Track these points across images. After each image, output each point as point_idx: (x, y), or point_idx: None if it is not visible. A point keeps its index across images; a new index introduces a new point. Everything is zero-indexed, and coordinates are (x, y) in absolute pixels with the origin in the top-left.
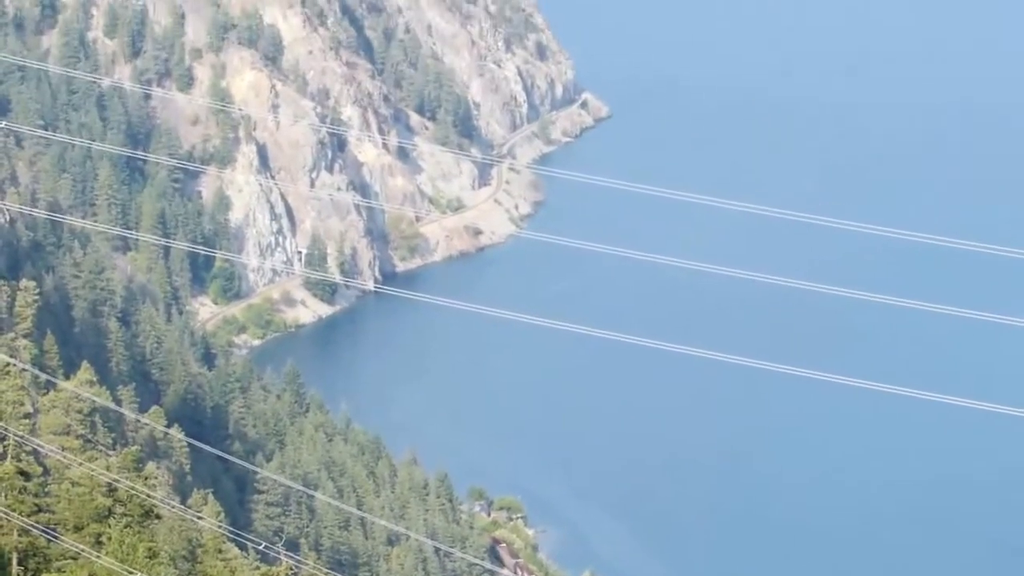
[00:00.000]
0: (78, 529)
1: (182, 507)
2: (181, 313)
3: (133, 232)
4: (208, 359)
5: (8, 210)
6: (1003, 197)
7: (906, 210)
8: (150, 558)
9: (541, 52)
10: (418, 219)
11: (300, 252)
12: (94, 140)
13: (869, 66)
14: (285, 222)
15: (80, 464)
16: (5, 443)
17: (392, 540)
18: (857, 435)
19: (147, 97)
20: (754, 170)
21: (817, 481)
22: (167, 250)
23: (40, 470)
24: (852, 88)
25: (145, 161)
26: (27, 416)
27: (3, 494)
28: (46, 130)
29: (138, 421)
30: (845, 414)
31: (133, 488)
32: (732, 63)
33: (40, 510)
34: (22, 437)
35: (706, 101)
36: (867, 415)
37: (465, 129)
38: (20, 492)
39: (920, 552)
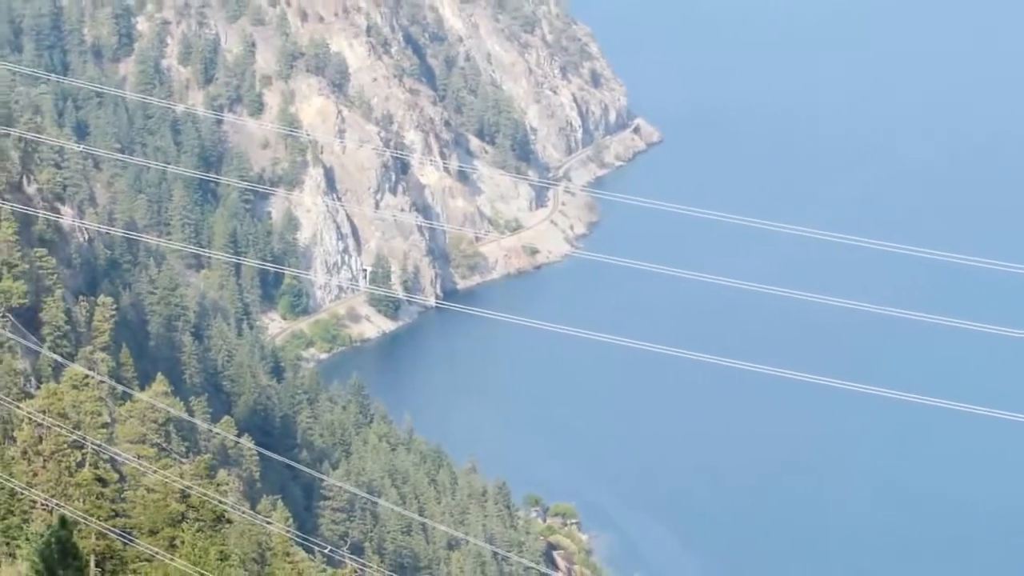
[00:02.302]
0: (153, 533)
1: (252, 512)
2: (251, 328)
3: (206, 251)
4: (277, 372)
5: (87, 229)
6: None
7: (948, 234)
8: (221, 560)
9: (595, 80)
10: (477, 239)
11: (365, 270)
12: (168, 163)
13: (913, 93)
14: (351, 241)
15: (155, 471)
16: (84, 451)
17: (452, 544)
18: (906, 449)
19: (219, 122)
20: (800, 194)
21: (860, 491)
22: (238, 268)
23: (117, 477)
24: (897, 114)
25: (217, 183)
26: (105, 426)
27: (81, 499)
28: (123, 153)
29: (210, 430)
30: (891, 428)
31: (205, 494)
32: (782, 90)
33: (117, 515)
34: (100, 445)
35: (756, 127)
36: (913, 429)
37: (523, 153)
38: (98, 498)
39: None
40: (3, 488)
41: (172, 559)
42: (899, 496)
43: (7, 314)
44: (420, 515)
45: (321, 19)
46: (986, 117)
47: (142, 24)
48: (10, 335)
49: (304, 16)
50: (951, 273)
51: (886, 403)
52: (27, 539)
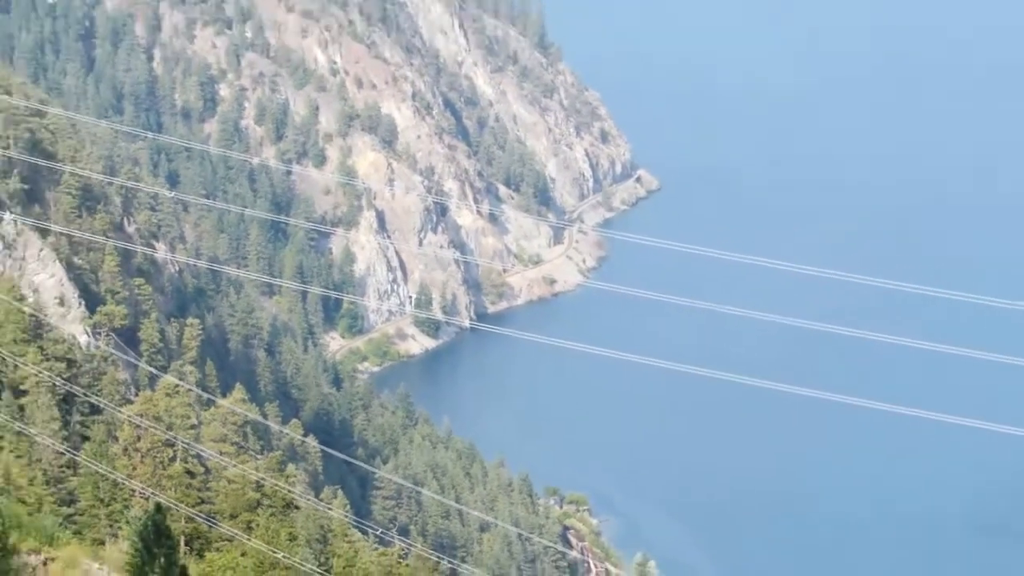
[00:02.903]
0: (233, 517)
1: (316, 500)
2: (315, 345)
3: (277, 280)
4: (336, 382)
5: (177, 262)
6: None
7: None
8: (290, 541)
9: (604, 137)
10: (505, 271)
11: (410, 296)
12: (246, 207)
13: (890, 150)
14: (398, 273)
15: (234, 465)
16: (175, 449)
17: (483, 527)
18: (882, 455)
19: (288, 173)
20: (779, 235)
21: (844, 487)
22: (304, 295)
23: (203, 470)
24: (870, 170)
25: (286, 224)
26: (192, 427)
27: (173, 489)
28: (207, 199)
29: (281, 431)
30: (865, 437)
31: (277, 484)
32: (763, 148)
33: (203, 502)
34: (188, 444)
35: (741, 179)
36: (889, 440)
37: (543, 199)
38: (187, 488)
39: None
40: (107, 479)
41: (249, 539)
42: (881, 495)
43: (111, 333)
44: (457, 502)
45: (374, 86)
46: (968, 172)
47: (223, 90)
48: (113, 351)
49: (360, 84)
50: (916, 300)
51: (861, 415)
52: (127, 523)
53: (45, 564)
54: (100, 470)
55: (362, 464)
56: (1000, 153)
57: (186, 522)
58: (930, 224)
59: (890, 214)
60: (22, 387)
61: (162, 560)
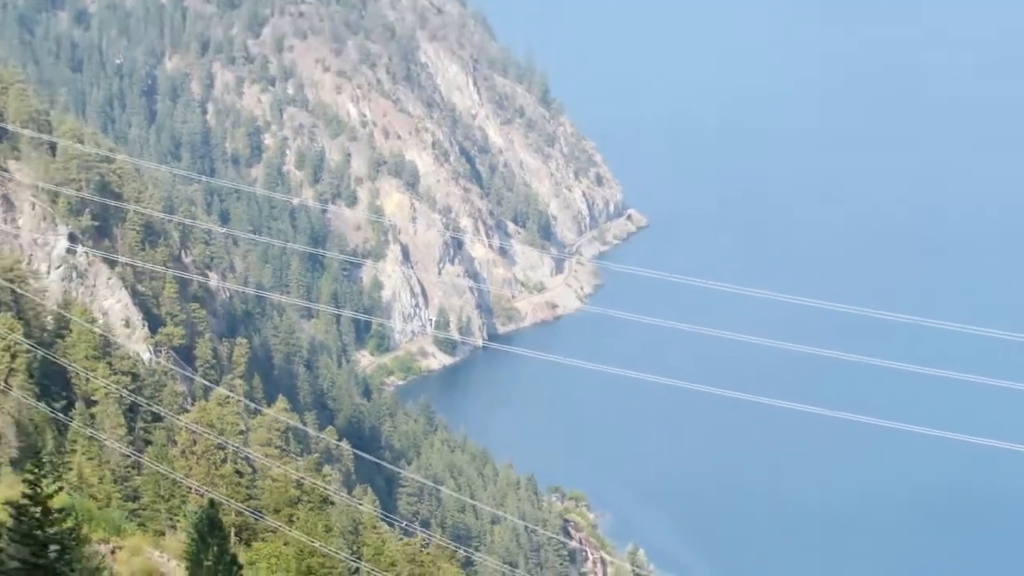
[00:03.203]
0: (276, 511)
1: (348, 496)
2: (347, 361)
3: (314, 304)
4: (366, 393)
5: (228, 289)
6: None
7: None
8: (326, 532)
9: (599, 180)
10: (513, 297)
11: (431, 319)
12: (287, 241)
13: (860, 183)
14: (420, 298)
15: (278, 466)
16: (226, 451)
17: (494, 521)
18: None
19: (324, 211)
20: (755, 267)
21: (830, 492)
22: (338, 318)
23: (250, 470)
24: (859, 203)
25: (322, 256)
26: (241, 432)
27: (224, 487)
28: (254, 234)
29: (318, 437)
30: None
31: (315, 483)
32: (745, 189)
33: (250, 498)
34: (238, 447)
35: (720, 214)
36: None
37: (545, 234)
38: (236, 486)
39: None
40: (167, 478)
41: (290, 531)
42: (854, 495)
43: (170, 351)
44: (471, 499)
45: (399, 136)
46: (935, 200)
47: (268, 139)
48: (172, 366)
49: (386, 134)
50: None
51: (833, 424)
52: (185, 516)
53: (113, 552)
54: (161, 470)
55: (389, 465)
56: (958, 181)
57: (236, 516)
58: (897, 253)
59: (857, 244)
60: (93, 398)
61: (215, 549)
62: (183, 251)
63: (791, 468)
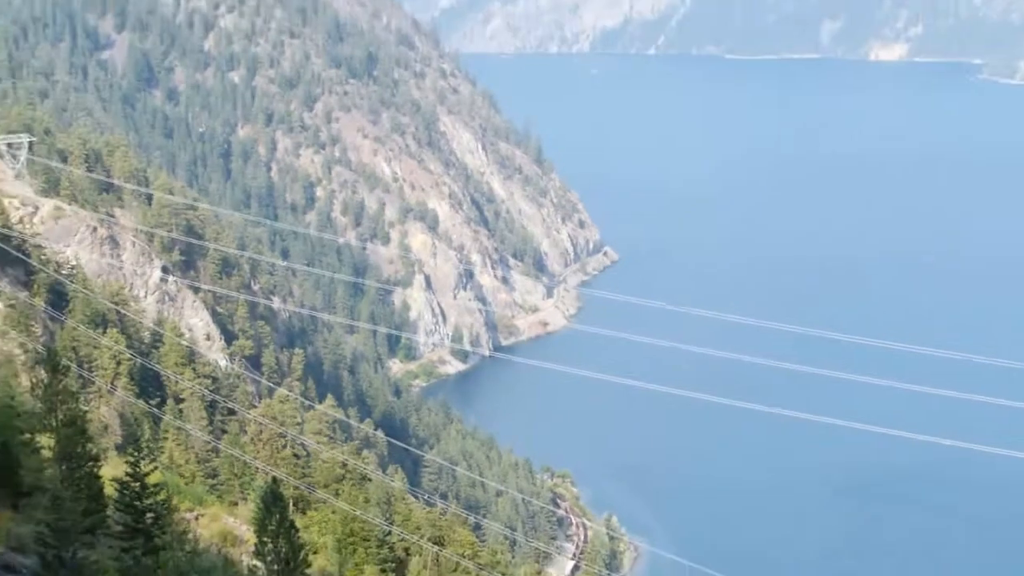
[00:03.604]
0: (325, 486)
1: (383, 474)
2: (382, 368)
3: (356, 322)
4: (397, 393)
5: (287, 310)
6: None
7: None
8: (365, 502)
9: (581, 224)
10: (512, 316)
11: (448, 334)
12: (334, 272)
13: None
14: (440, 317)
15: (327, 451)
16: (286, 439)
17: (498, 494)
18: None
19: (363, 248)
20: (706, 293)
21: (779, 472)
22: (374, 333)
23: (305, 453)
24: (796, 242)
25: (362, 283)
26: (297, 424)
27: (284, 467)
28: (308, 266)
29: (358, 427)
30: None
31: (356, 464)
32: (698, 232)
33: (304, 475)
34: (295, 435)
35: (678, 253)
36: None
37: (539, 266)
38: (294, 466)
39: None
40: (239, 460)
41: (336, 501)
42: (800, 472)
43: (242, 359)
44: (480, 476)
45: (423, 189)
46: (866, 239)
47: (319, 192)
48: (243, 371)
49: (412, 187)
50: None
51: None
52: (253, 490)
53: (196, 519)
54: (234, 454)
55: (414, 450)
56: (863, 222)
57: (293, 490)
58: (813, 279)
59: (780, 272)
60: (181, 396)
61: (277, 516)
62: (252, 280)
63: (731, 452)
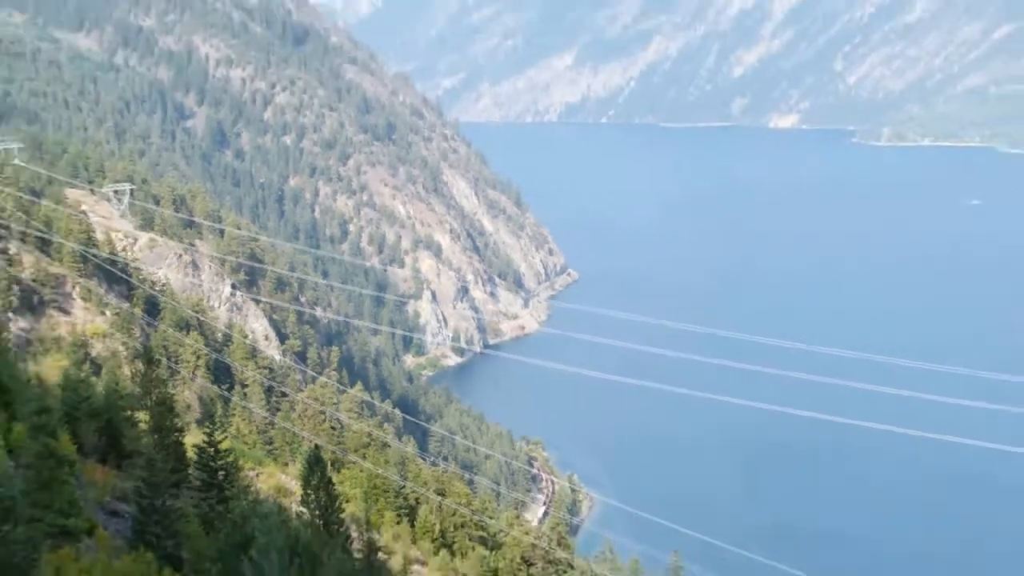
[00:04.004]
0: (355, 451)
1: (399, 442)
2: (399, 361)
3: (379, 327)
4: (410, 380)
5: (327, 317)
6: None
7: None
8: (385, 463)
9: (550, 252)
10: (498, 322)
11: (449, 335)
12: (362, 288)
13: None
14: (442, 323)
15: (356, 424)
16: (325, 415)
17: (487, 456)
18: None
19: (384, 270)
20: (651, 304)
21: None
22: (393, 335)
23: (340, 426)
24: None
25: (384, 296)
26: (334, 403)
27: (325, 436)
28: (343, 284)
29: (380, 406)
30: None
31: (379, 434)
32: (644, 259)
33: (339, 442)
34: (332, 412)
35: (628, 274)
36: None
37: (518, 284)
38: (331, 435)
39: None
40: (289, 431)
41: (363, 462)
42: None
43: (292, 354)
44: (472, 443)
45: (430, 225)
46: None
47: (351, 227)
48: (293, 364)
49: (422, 223)
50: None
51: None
52: (299, 454)
53: (256, 476)
54: (286, 426)
55: (423, 423)
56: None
57: (331, 453)
58: (732, 291)
59: (710, 289)
60: (245, 383)
61: (318, 474)
62: (299, 294)
63: (664, 424)
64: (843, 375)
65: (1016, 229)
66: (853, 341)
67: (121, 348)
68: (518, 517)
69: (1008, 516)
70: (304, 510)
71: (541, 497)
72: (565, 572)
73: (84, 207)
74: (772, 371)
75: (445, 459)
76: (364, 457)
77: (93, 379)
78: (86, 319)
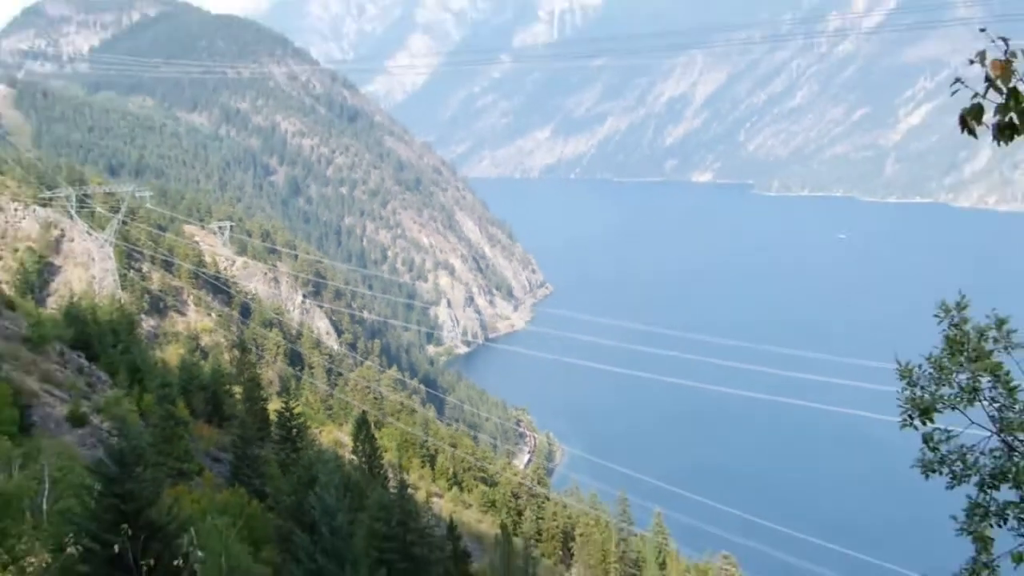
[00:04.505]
0: (391, 415)
1: (423, 409)
2: (423, 350)
3: (409, 325)
4: (431, 364)
5: (372, 318)
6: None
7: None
8: (413, 424)
9: (533, 271)
10: (496, 322)
11: (460, 332)
12: (397, 297)
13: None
14: (455, 323)
15: (393, 395)
16: (370, 388)
17: (486, 419)
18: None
19: (413, 284)
20: (620, 309)
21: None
22: (419, 331)
23: (381, 396)
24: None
25: (412, 303)
26: (376, 380)
27: (369, 405)
28: (383, 294)
29: (410, 382)
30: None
31: (409, 403)
32: (610, 272)
33: (380, 408)
34: (375, 387)
35: (598, 286)
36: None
37: (509, 294)
38: (374, 403)
39: None
40: (344, 400)
41: (397, 423)
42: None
43: (345, 345)
44: (476, 409)
45: (446, 252)
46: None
47: (390, 253)
48: (346, 352)
49: (440, 251)
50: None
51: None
52: (351, 418)
53: (319, 433)
54: (341, 397)
55: (440, 395)
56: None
57: (374, 417)
58: (674, 295)
59: (655, 295)
60: (312, 365)
61: (364, 432)
62: (352, 301)
63: (624, 397)
64: (739, 359)
65: (869, 254)
66: (746, 333)
67: (222, 340)
68: (509, 463)
69: (848, 458)
70: (354, 457)
71: (526, 449)
72: (543, 503)
73: (196, 238)
74: (691, 357)
75: (456, 421)
76: (398, 419)
77: (202, 362)
78: (197, 319)
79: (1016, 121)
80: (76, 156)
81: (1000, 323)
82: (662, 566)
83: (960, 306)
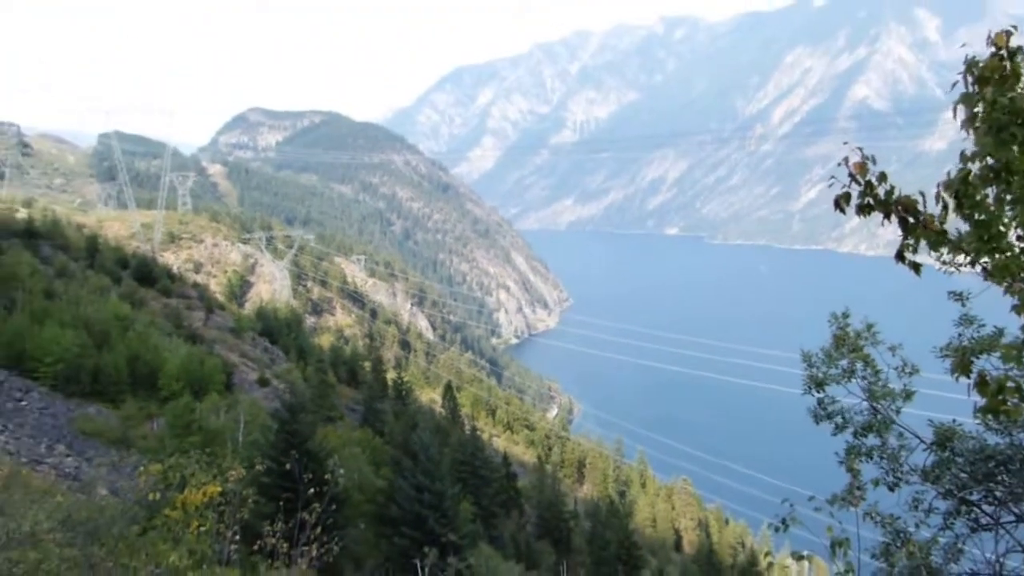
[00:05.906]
0: (467, 383)
1: (488, 380)
2: (489, 341)
3: (479, 324)
4: (494, 350)
5: (456, 320)
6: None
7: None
8: (481, 389)
9: (560, 290)
10: (536, 322)
11: (513, 329)
12: (471, 306)
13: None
14: (510, 322)
15: (468, 370)
16: (452, 366)
17: (529, 386)
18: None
19: (483, 297)
20: (625, 316)
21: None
22: (486, 328)
23: (460, 370)
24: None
25: (482, 310)
26: (458, 360)
27: (453, 375)
28: (463, 304)
29: (479, 362)
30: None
31: (477, 374)
32: (615, 290)
33: (460, 379)
34: (456, 364)
35: (605, 302)
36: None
37: (544, 305)
38: (457, 374)
39: None
40: (436, 372)
41: (471, 388)
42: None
43: (439, 337)
44: (522, 380)
45: (505, 277)
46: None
47: (468, 276)
48: (437, 341)
49: (501, 277)
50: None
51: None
52: (441, 384)
53: (420, 394)
54: (435, 369)
55: (499, 370)
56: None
57: (456, 384)
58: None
59: (652, 306)
60: (415, 350)
61: (449, 394)
62: (443, 309)
63: (632, 376)
64: (698, 350)
65: (780, 281)
66: (704, 330)
67: (358, 332)
68: (543, 415)
69: (768, 415)
70: (442, 411)
71: (555, 406)
72: (565, 442)
73: (342, 266)
74: (666, 349)
75: (509, 388)
76: (471, 386)
77: (344, 347)
78: (342, 318)
79: (871, 203)
80: (265, 212)
81: (869, 327)
82: (643, 485)
83: (844, 315)
